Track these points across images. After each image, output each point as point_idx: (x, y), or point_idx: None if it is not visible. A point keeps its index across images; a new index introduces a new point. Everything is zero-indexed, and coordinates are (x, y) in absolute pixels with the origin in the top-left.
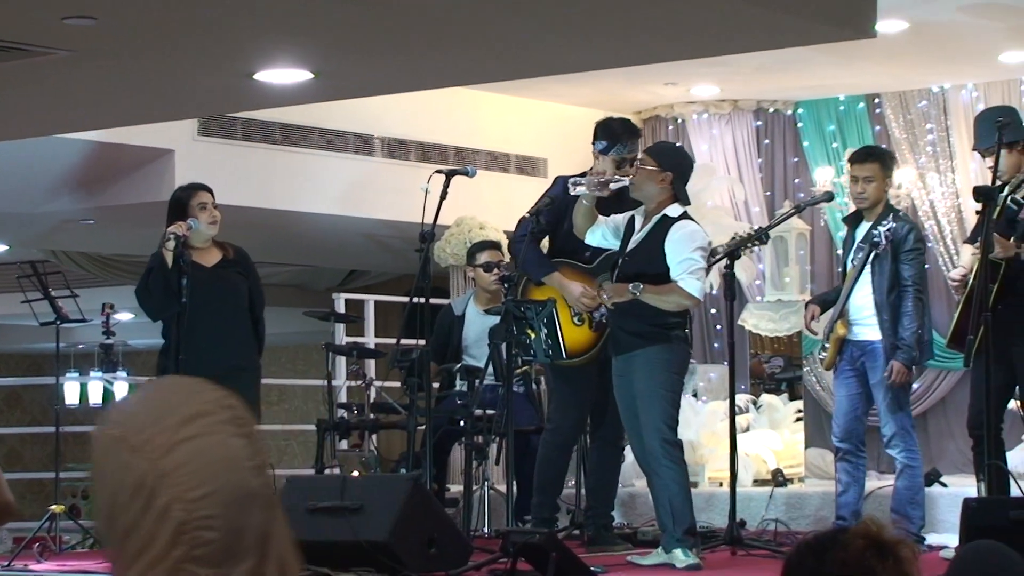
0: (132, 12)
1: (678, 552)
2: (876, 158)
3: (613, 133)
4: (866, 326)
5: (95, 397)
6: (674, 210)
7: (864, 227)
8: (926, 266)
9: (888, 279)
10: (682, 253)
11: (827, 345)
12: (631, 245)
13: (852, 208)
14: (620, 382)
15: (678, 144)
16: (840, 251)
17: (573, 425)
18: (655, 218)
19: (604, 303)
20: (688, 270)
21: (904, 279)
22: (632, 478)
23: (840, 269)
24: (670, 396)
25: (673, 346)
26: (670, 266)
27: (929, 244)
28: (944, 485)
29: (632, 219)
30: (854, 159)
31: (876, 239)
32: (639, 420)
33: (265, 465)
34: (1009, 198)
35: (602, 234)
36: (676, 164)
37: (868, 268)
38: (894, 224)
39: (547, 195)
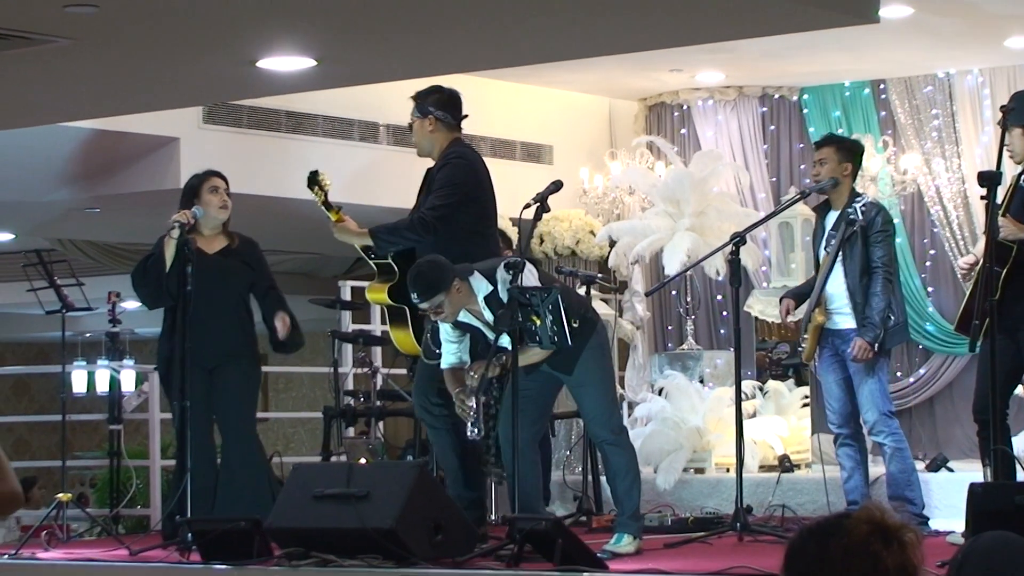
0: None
1: (623, 537)
2: (831, 143)
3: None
4: (843, 314)
5: (102, 385)
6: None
7: (833, 216)
8: (921, 247)
9: (859, 263)
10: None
11: (804, 336)
12: None
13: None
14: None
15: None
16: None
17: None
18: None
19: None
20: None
21: (873, 261)
22: (640, 464)
23: (814, 259)
24: (611, 382)
25: (599, 328)
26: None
27: (936, 230)
28: (951, 470)
29: None
30: (815, 145)
31: (852, 216)
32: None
33: None
34: (1022, 179)
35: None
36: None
37: (839, 255)
38: (868, 202)
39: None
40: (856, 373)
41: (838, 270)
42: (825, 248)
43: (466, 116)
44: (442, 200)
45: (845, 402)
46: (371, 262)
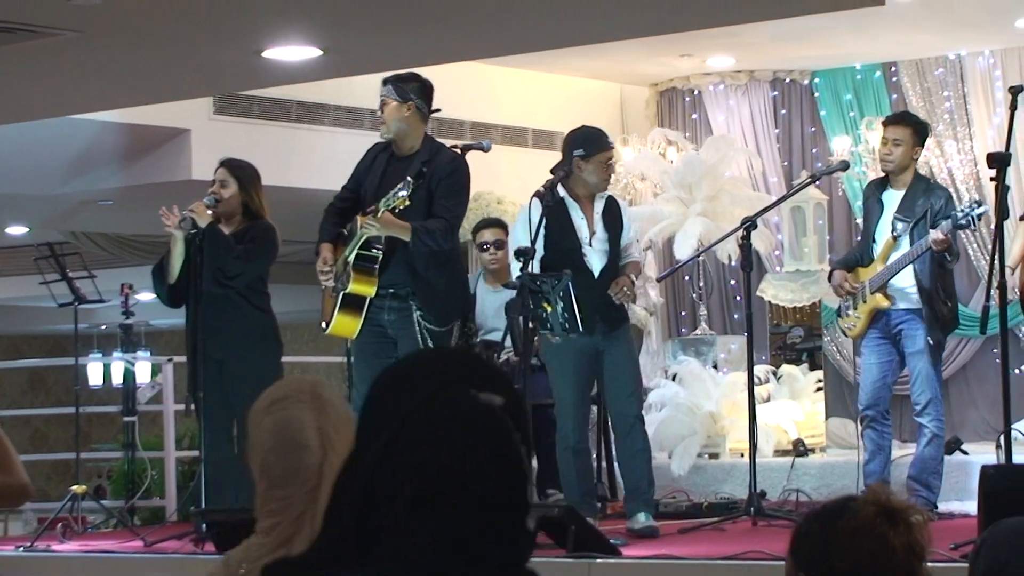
0: None
1: (642, 515)
2: (909, 124)
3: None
4: (907, 295)
5: (118, 377)
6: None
7: (892, 194)
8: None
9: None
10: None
11: (854, 313)
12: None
13: (871, 176)
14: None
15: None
16: (860, 218)
17: None
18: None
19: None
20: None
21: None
22: (655, 450)
23: (870, 233)
24: None
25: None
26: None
27: None
28: (965, 453)
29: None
30: (888, 121)
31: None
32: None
33: (325, 429)
34: None
35: None
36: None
37: (906, 239)
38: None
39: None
40: (915, 355)
41: (903, 252)
42: (893, 233)
43: (438, 110)
44: (462, 208)
45: (881, 385)
46: (357, 251)
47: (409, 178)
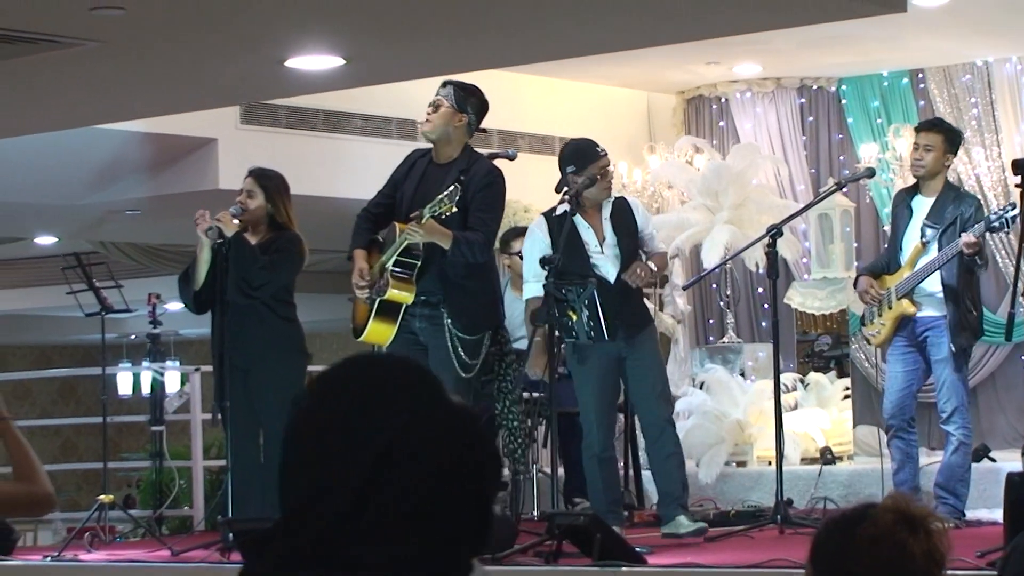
0: (160, 1)
1: (683, 518)
2: (941, 130)
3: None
4: (934, 301)
5: (147, 387)
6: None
7: (922, 201)
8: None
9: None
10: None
11: (879, 320)
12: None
13: (899, 183)
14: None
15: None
16: (888, 225)
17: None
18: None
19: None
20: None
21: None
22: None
23: (896, 240)
24: None
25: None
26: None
27: None
28: (993, 460)
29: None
30: (920, 127)
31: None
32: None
33: None
34: None
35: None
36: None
37: (935, 245)
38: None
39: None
40: (941, 362)
41: (932, 259)
42: (922, 239)
43: (484, 131)
44: (497, 223)
45: (906, 394)
46: (396, 258)
47: (456, 184)
